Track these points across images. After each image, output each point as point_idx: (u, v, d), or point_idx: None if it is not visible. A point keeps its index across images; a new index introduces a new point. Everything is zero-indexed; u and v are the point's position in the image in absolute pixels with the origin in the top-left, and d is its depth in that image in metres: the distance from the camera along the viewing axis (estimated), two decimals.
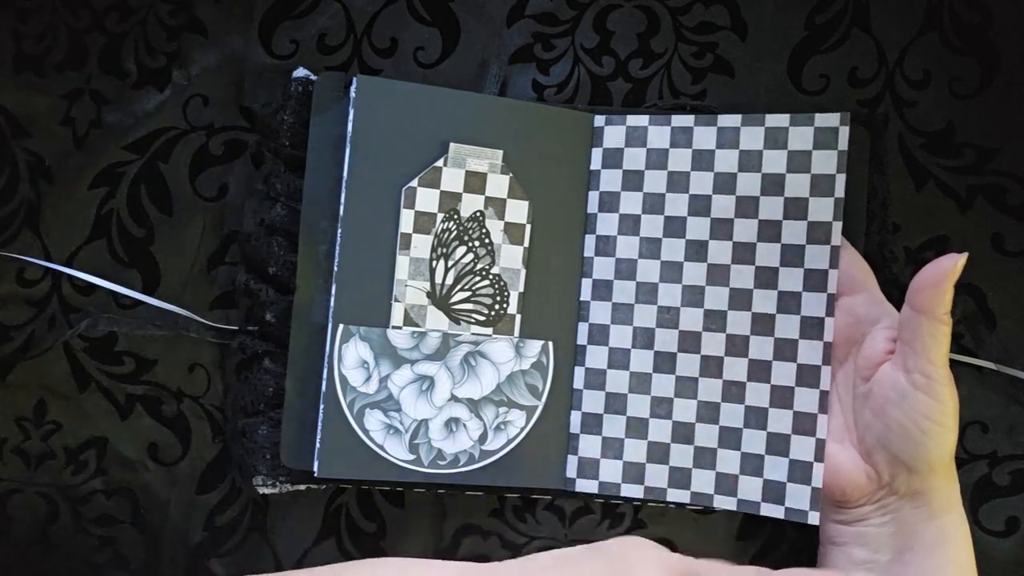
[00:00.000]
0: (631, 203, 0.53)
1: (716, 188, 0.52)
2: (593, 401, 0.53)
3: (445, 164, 0.52)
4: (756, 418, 0.51)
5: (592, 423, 0.53)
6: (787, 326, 0.51)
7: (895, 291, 0.54)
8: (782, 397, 0.51)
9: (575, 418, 0.54)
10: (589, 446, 0.53)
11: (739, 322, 0.52)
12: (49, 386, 0.55)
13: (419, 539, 0.55)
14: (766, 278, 0.52)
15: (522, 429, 0.53)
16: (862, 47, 0.55)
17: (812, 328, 0.51)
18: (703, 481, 0.52)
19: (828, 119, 0.51)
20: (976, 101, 0.54)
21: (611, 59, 0.56)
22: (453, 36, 0.56)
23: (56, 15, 0.56)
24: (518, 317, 0.53)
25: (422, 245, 0.52)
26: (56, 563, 0.55)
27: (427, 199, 0.52)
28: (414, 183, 0.52)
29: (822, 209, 0.51)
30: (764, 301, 0.52)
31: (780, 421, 0.51)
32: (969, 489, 0.54)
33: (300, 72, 0.54)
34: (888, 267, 0.54)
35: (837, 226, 0.50)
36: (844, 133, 0.51)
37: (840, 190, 0.50)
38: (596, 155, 0.53)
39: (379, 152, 0.52)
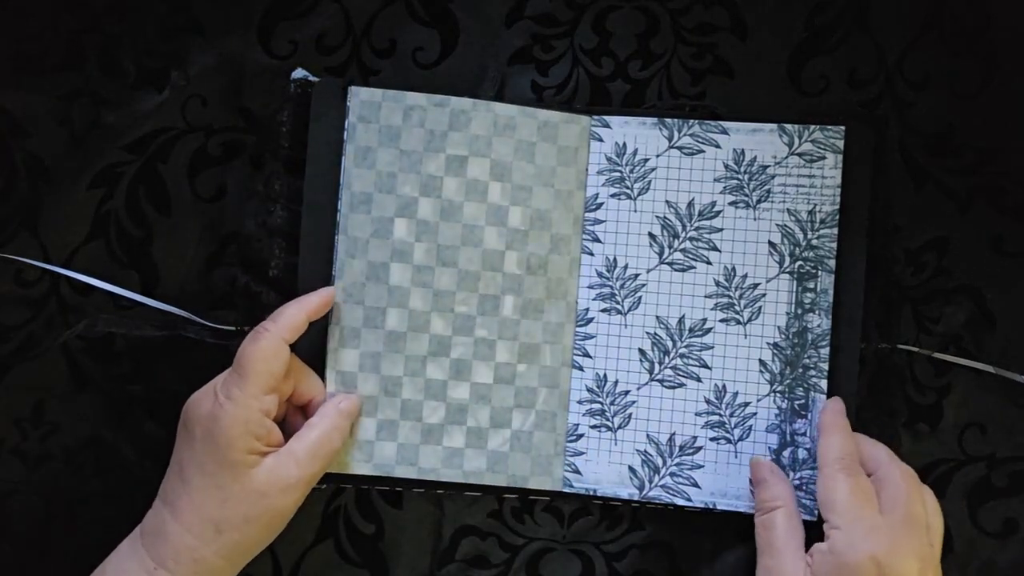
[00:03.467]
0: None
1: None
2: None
3: None
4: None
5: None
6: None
7: (895, 294, 0.54)
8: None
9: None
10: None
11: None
12: (47, 387, 0.55)
13: (418, 540, 0.55)
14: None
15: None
16: (862, 48, 0.55)
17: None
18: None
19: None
20: (976, 102, 0.54)
21: (610, 60, 0.55)
22: (452, 37, 0.56)
23: (55, 15, 0.56)
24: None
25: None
26: (54, 564, 0.55)
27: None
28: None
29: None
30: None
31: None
32: (968, 490, 0.54)
33: (299, 73, 0.54)
34: (889, 269, 0.54)
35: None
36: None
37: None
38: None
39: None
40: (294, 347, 0.49)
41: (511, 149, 0.53)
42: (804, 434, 0.52)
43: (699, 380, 0.53)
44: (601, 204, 0.54)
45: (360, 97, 0.52)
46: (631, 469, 0.53)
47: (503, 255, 0.53)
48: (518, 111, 0.53)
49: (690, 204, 0.53)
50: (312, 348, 0.52)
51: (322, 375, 0.52)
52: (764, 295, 0.52)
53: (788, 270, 0.52)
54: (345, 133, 0.52)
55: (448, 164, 0.52)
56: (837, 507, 0.46)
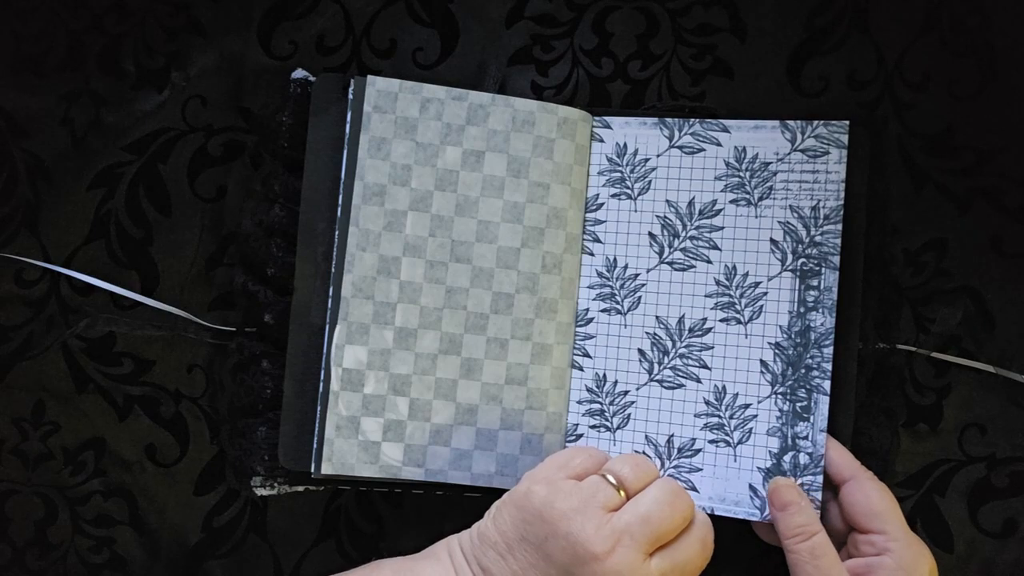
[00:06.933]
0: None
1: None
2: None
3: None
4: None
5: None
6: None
7: (894, 294, 0.54)
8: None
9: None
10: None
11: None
12: (48, 387, 0.55)
13: (418, 540, 0.55)
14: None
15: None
16: (861, 49, 0.55)
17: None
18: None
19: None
20: (975, 103, 0.54)
21: (610, 61, 0.56)
22: (452, 37, 0.56)
23: (55, 16, 0.56)
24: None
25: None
26: (54, 564, 0.55)
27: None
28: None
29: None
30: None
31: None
32: (968, 491, 0.54)
33: (299, 73, 0.54)
34: (887, 270, 0.54)
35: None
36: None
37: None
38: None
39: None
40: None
41: (530, 145, 0.53)
42: (806, 438, 0.51)
43: (698, 381, 0.53)
44: (602, 204, 0.54)
45: (377, 86, 0.52)
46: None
47: (519, 253, 0.52)
48: (538, 107, 0.53)
49: (690, 203, 0.53)
50: (312, 345, 0.52)
51: (326, 373, 0.52)
52: (766, 294, 0.52)
53: (791, 268, 0.52)
54: (353, 125, 0.52)
55: (465, 158, 0.52)
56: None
